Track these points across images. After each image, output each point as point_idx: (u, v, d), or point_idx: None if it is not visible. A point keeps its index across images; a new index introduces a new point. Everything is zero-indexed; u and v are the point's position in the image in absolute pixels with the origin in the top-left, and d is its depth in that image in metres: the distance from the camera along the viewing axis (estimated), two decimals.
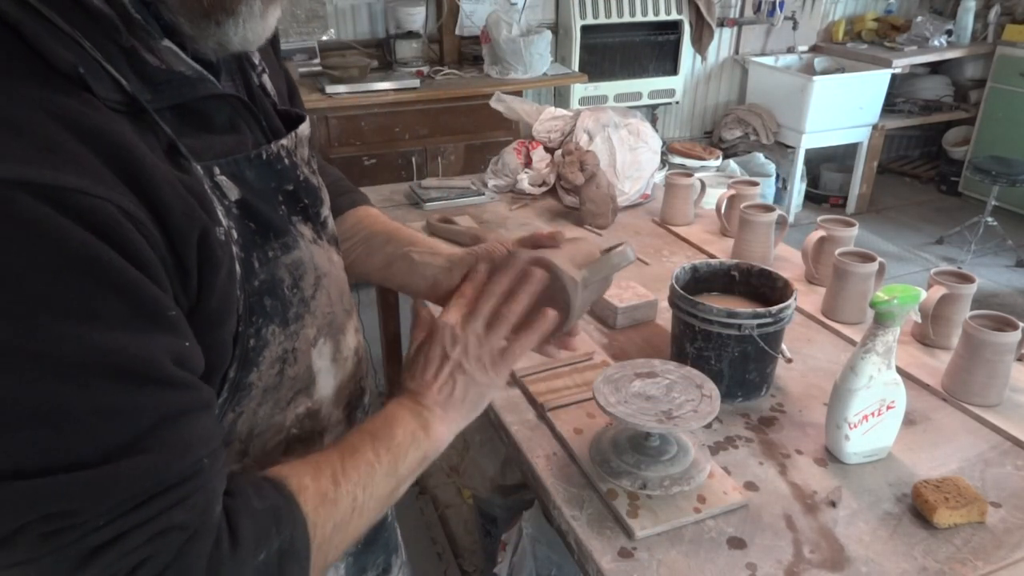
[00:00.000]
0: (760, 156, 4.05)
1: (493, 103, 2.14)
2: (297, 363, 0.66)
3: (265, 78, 0.72)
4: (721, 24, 4.22)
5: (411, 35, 3.34)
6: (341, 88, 2.95)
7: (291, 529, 0.56)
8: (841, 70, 4.33)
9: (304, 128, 0.70)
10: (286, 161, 0.66)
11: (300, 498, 0.58)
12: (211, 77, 0.60)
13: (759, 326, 1.08)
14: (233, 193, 0.59)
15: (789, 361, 1.22)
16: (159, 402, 0.48)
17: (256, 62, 0.71)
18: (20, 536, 0.44)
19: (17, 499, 0.44)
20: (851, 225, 1.50)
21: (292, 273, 0.64)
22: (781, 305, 1.10)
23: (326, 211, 0.74)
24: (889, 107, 4.36)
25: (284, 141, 0.66)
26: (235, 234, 0.58)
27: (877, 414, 0.99)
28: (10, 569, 0.45)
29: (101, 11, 0.51)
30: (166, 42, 0.55)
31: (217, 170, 0.58)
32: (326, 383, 0.71)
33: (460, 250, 0.86)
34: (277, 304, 0.62)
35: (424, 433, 0.68)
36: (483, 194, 1.98)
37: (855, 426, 0.99)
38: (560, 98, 3.86)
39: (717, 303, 1.10)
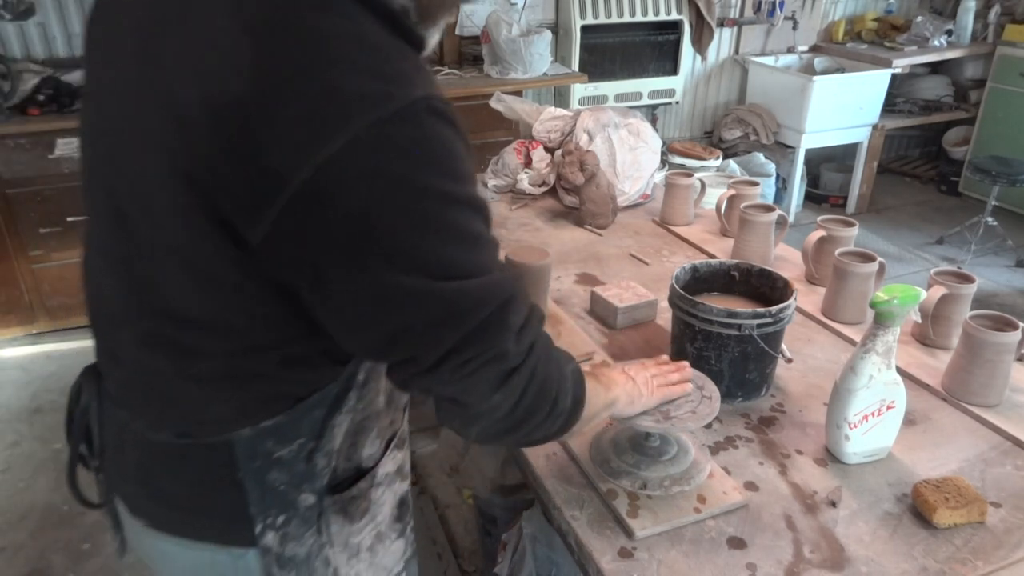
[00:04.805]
0: (760, 156, 4.05)
1: (493, 103, 2.14)
2: None
3: None
4: (721, 24, 4.21)
5: None
6: None
7: (583, 391, 0.80)
8: (841, 70, 4.33)
9: None
10: None
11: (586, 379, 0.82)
12: None
13: (759, 326, 1.08)
14: None
15: (789, 361, 1.21)
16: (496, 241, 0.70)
17: None
18: (447, 361, 0.64)
19: (462, 297, 0.63)
20: (851, 225, 1.50)
21: None
22: (781, 305, 1.10)
23: None
24: (889, 107, 4.36)
25: None
26: None
27: (877, 414, 0.99)
28: (443, 388, 0.68)
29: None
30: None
31: None
32: None
33: None
34: None
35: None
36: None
37: (855, 426, 0.99)
38: (560, 98, 3.86)
39: (717, 303, 1.10)
